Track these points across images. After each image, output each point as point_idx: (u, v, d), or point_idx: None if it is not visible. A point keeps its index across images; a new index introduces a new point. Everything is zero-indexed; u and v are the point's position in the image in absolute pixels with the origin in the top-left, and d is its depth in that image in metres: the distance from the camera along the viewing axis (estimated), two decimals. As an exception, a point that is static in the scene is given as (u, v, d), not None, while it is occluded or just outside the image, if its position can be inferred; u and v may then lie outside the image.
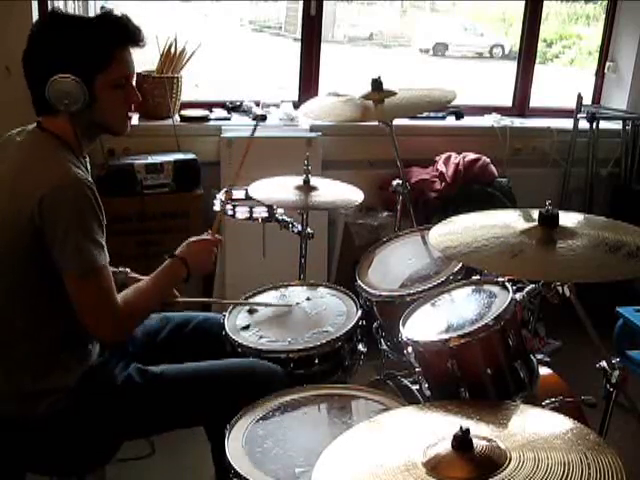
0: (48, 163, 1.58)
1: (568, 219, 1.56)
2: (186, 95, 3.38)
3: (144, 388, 1.71)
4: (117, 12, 1.72)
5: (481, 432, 1.23)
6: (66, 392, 1.64)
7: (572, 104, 3.81)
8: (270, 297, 2.10)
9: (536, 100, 4.08)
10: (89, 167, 1.72)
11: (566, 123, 3.83)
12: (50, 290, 1.58)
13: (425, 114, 3.58)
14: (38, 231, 1.53)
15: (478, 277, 1.80)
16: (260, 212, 2.24)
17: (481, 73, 6.93)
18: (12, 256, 1.58)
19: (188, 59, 3.29)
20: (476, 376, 1.54)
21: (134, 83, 1.76)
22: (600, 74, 4.18)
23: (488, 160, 3.52)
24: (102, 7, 3.40)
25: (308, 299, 2.07)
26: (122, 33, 1.65)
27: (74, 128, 1.64)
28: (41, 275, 1.58)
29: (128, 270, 1.94)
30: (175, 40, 3.24)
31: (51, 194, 1.51)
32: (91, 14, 3.63)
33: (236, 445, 1.46)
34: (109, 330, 1.63)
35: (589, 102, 4.13)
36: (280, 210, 2.28)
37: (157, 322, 1.97)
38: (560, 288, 1.57)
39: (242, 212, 2.26)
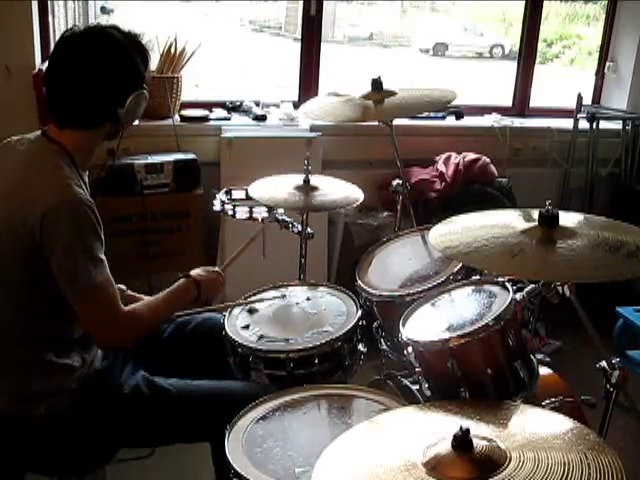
0: (51, 178, 1.57)
1: (568, 219, 1.56)
2: (186, 95, 3.39)
3: (151, 401, 1.71)
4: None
5: (481, 432, 1.22)
6: (67, 394, 1.64)
7: (572, 104, 3.81)
8: (270, 297, 2.09)
9: (536, 100, 4.08)
10: (87, 180, 1.73)
11: (566, 123, 3.83)
12: (49, 295, 1.59)
13: (425, 114, 3.58)
14: (37, 245, 1.54)
15: (478, 277, 1.80)
16: (260, 212, 2.24)
17: (481, 73, 6.93)
18: (10, 262, 1.58)
19: (188, 59, 3.29)
20: (476, 376, 1.54)
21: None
22: (600, 74, 4.18)
23: (488, 160, 3.52)
24: (102, 7, 3.41)
25: (308, 299, 2.06)
26: (149, 53, 1.73)
27: (100, 139, 1.70)
28: (40, 281, 1.58)
29: (124, 287, 1.94)
30: (175, 40, 3.24)
31: (51, 212, 1.51)
32: (91, 14, 3.65)
33: (236, 445, 1.46)
34: (112, 340, 1.66)
35: (589, 102, 4.13)
36: (280, 210, 2.28)
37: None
38: (560, 288, 1.57)
39: (242, 212, 2.25)
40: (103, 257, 1.60)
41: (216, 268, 1.97)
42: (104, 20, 3.95)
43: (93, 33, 1.66)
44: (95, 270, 1.56)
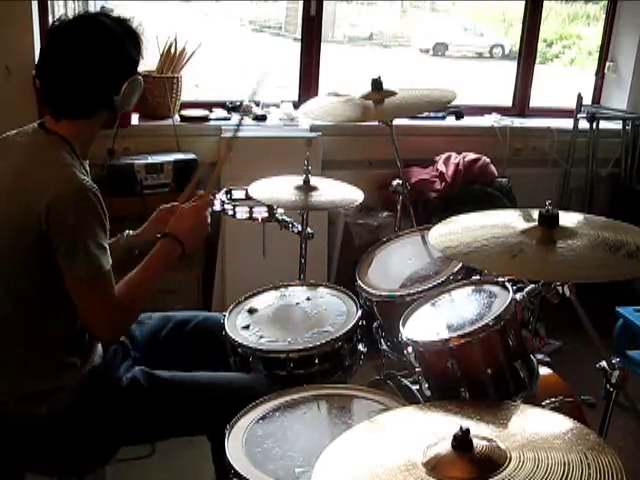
0: (54, 168, 1.57)
1: (568, 219, 1.56)
2: (186, 95, 3.38)
3: (149, 392, 1.71)
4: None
5: (481, 432, 1.23)
6: (68, 392, 1.64)
7: (572, 104, 3.81)
8: (270, 297, 2.10)
9: (536, 100, 4.08)
10: (88, 169, 1.72)
11: (566, 123, 3.83)
12: (51, 291, 1.58)
13: (425, 114, 3.58)
14: (44, 236, 1.53)
15: (478, 277, 1.80)
16: (260, 212, 2.24)
17: (481, 73, 6.93)
18: (13, 256, 1.57)
19: (188, 59, 3.29)
20: (476, 376, 1.54)
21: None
22: (600, 74, 4.18)
23: (488, 160, 3.52)
24: (102, 7, 3.40)
25: (308, 299, 2.06)
26: (141, 38, 1.71)
27: (97, 127, 1.69)
28: (42, 276, 1.57)
29: (129, 232, 1.93)
30: (175, 40, 3.24)
31: (58, 201, 1.51)
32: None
33: (236, 445, 1.46)
34: (110, 331, 1.64)
35: (589, 102, 4.13)
36: (280, 210, 2.28)
37: (158, 321, 1.97)
38: (560, 288, 1.57)
39: (242, 212, 2.25)
40: (107, 246, 1.59)
41: (200, 192, 1.84)
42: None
43: (82, 21, 1.65)
44: (101, 258, 1.56)
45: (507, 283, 1.66)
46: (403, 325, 1.68)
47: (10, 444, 1.63)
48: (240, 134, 3.23)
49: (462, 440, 1.14)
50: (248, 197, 2.26)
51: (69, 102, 1.62)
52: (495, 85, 5.26)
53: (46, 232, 1.52)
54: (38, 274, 1.58)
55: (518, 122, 3.84)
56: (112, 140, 2.68)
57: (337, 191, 2.30)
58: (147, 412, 1.70)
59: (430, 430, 1.27)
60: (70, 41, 1.61)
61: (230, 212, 2.26)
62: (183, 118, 3.30)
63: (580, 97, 3.79)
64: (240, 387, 1.75)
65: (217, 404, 1.69)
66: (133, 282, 1.66)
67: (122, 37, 1.64)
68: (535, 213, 1.55)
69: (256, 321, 1.96)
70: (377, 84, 2.39)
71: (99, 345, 1.75)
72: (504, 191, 3.48)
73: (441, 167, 3.49)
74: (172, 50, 3.24)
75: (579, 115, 3.76)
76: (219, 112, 3.43)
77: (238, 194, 2.35)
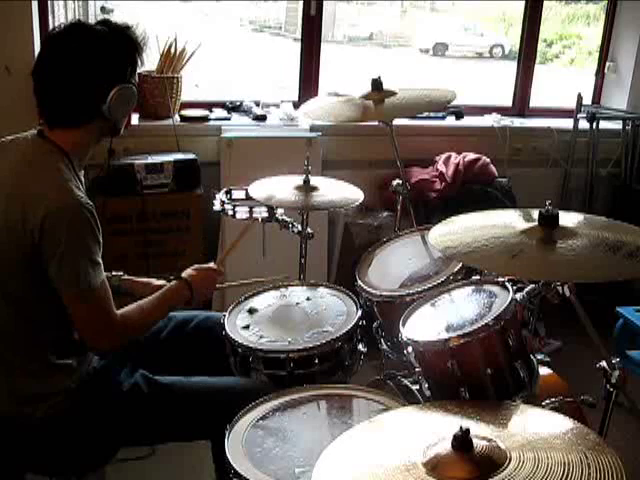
0: (51, 181, 1.56)
1: (568, 219, 1.56)
2: (186, 95, 3.39)
3: (150, 398, 1.71)
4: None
5: (481, 432, 1.22)
6: (67, 394, 1.64)
7: (572, 104, 3.81)
8: (270, 297, 2.10)
9: (536, 100, 4.08)
10: (83, 180, 1.72)
11: (566, 123, 3.83)
12: (47, 295, 1.58)
13: (425, 114, 3.58)
14: (37, 247, 1.53)
15: (478, 277, 1.80)
16: (260, 212, 2.24)
17: (481, 73, 6.94)
18: (10, 260, 1.58)
19: (188, 59, 3.29)
20: (476, 376, 1.54)
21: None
22: (600, 74, 4.18)
23: (488, 160, 3.52)
24: (102, 7, 3.40)
25: (308, 299, 2.07)
26: (140, 46, 1.70)
27: (93, 137, 1.68)
28: (37, 282, 1.57)
29: (121, 273, 1.94)
30: (175, 40, 3.24)
31: (52, 215, 1.51)
32: (91, 14, 3.64)
33: (236, 445, 1.46)
34: (104, 344, 1.65)
35: (589, 102, 4.13)
36: (280, 210, 2.28)
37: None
38: (560, 288, 1.57)
39: (242, 212, 2.25)
40: (100, 261, 1.60)
41: (211, 264, 1.95)
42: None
43: (73, 29, 1.64)
44: (93, 273, 1.56)
45: (507, 283, 1.66)
46: (403, 325, 1.68)
47: (10, 445, 1.63)
48: (240, 134, 3.24)
49: (462, 440, 1.14)
50: (248, 197, 2.26)
51: (57, 110, 1.62)
52: (495, 85, 5.26)
53: (38, 245, 1.53)
54: (33, 279, 1.58)
55: (518, 122, 3.84)
56: (114, 142, 2.68)
57: (337, 191, 2.30)
58: (147, 418, 1.70)
59: (430, 430, 1.27)
60: (58, 49, 1.61)
61: (230, 212, 2.26)
62: (183, 118, 3.31)
63: (580, 97, 3.80)
64: (241, 393, 1.73)
65: (218, 411, 1.67)
66: (146, 308, 1.72)
67: (112, 45, 1.62)
68: (535, 213, 1.55)
69: (256, 321, 1.96)
70: (377, 84, 2.39)
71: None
72: (504, 191, 3.48)
73: (441, 167, 3.49)
74: (172, 50, 3.25)
75: (579, 115, 3.76)
76: (219, 112, 3.44)
77: (238, 194, 2.35)
